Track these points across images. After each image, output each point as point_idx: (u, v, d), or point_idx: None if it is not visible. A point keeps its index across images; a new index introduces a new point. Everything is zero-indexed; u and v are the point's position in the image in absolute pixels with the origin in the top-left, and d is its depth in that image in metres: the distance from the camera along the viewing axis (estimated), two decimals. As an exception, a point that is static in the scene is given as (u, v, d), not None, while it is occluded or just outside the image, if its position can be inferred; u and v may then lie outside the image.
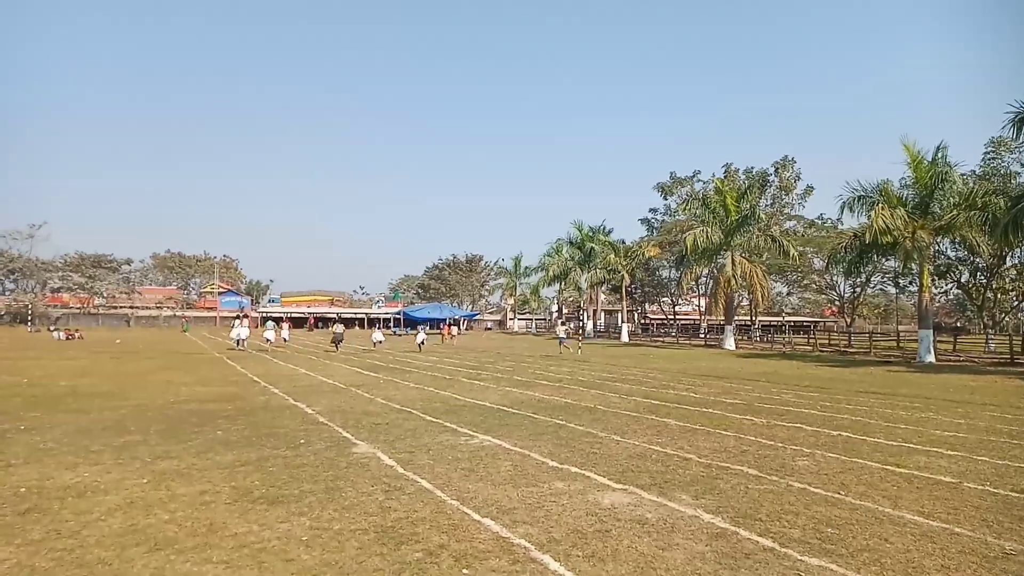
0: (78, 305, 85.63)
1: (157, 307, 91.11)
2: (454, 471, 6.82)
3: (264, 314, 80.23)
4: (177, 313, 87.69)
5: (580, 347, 34.10)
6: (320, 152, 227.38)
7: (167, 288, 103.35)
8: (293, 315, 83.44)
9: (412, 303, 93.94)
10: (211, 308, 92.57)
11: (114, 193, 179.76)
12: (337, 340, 33.30)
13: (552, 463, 7.25)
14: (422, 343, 33.86)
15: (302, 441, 8.44)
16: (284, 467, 6.96)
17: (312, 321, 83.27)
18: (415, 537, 4.76)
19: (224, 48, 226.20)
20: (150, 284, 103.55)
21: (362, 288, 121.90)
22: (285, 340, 37.21)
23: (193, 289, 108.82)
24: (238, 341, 30.58)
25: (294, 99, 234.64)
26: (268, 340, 32.41)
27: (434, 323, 72.35)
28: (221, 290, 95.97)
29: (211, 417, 10.45)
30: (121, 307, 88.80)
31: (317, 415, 10.73)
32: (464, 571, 4.14)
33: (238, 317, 36.62)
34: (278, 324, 38.11)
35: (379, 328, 43.33)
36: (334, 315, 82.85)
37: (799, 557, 4.43)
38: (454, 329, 47.47)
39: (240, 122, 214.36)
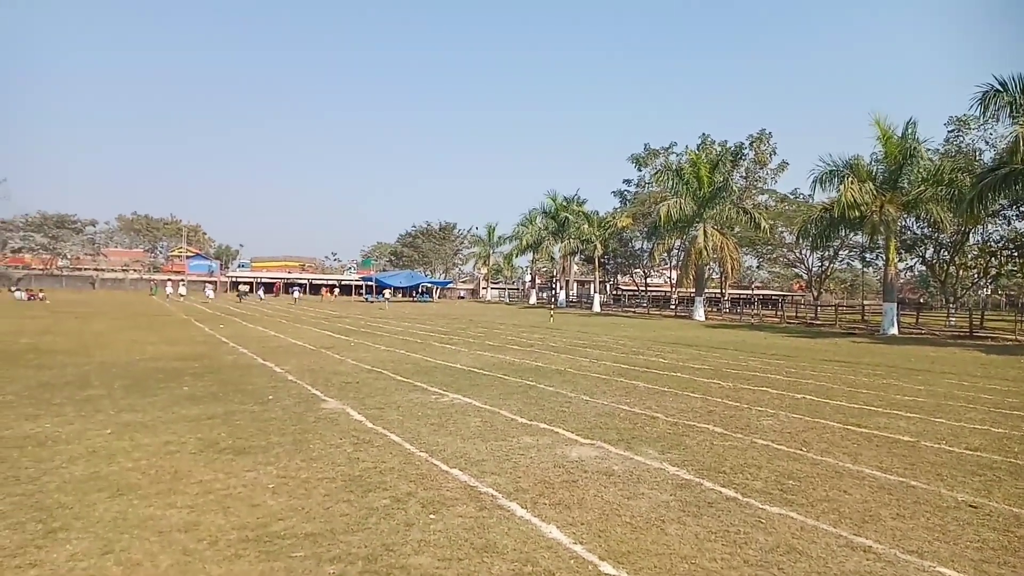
0: (40, 267, 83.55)
1: (123, 270, 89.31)
2: (423, 426, 6.83)
3: (233, 278, 79.41)
4: (145, 276, 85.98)
5: (552, 315, 34.19)
6: (293, 118, 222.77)
7: (133, 251, 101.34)
8: (263, 280, 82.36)
9: (384, 270, 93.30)
10: (179, 272, 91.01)
11: (81, 154, 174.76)
12: (242, 294, 40.84)
13: (521, 420, 7.30)
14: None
15: (270, 397, 8.38)
16: (251, 421, 6.91)
17: (279, 286, 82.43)
18: (383, 485, 4.76)
19: (196, 12, 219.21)
20: (116, 247, 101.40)
21: (334, 254, 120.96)
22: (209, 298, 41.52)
23: (160, 252, 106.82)
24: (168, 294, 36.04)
25: (265, 62, 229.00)
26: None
27: (407, 290, 72.23)
28: (189, 254, 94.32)
29: (177, 374, 10.31)
30: (85, 269, 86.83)
31: (286, 374, 10.66)
32: (431, 516, 4.16)
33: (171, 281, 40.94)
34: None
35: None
36: (305, 280, 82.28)
37: (760, 506, 4.53)
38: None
39: (213, 87, 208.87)
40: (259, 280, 79.21)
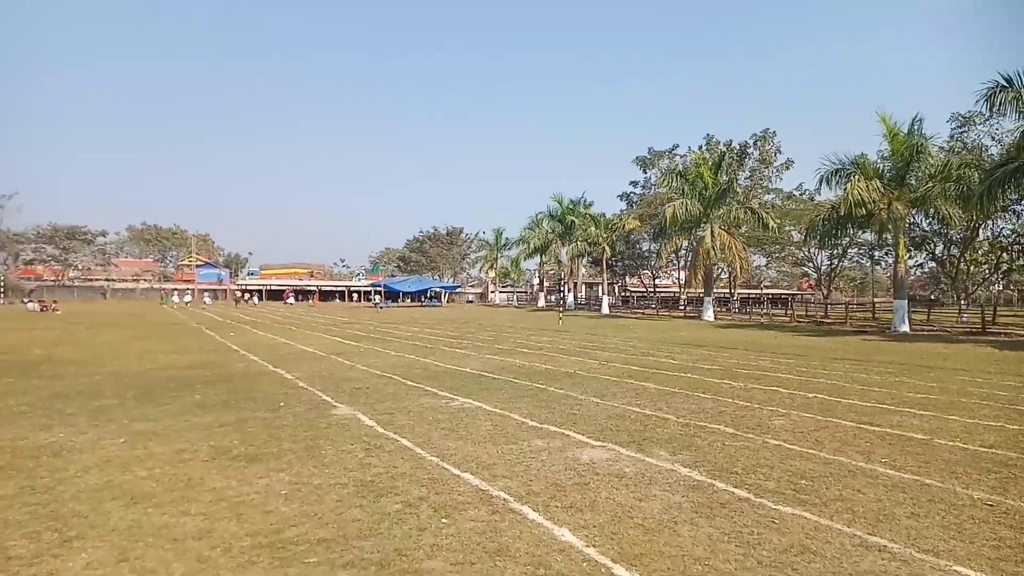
0: (52, 278, 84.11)
1: (134, 279, 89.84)
2: (434, 430, 6.84)
3: (243, 287, 79.69)
4: (155, 285, 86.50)
5: (560, 318, 34.17)
6: (300, 126, 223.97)
7: (143, 260, 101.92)
8: (272, 287, 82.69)
9: (393, 276, 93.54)
10: (189, 280, 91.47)
11: (90, 167, 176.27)
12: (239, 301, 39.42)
13: (532, 423, 7.30)
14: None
15: (281, 404, 8.41)
16: (263, 428, 6.94)
17: (288, 293, 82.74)
18: (395, 490, 4.77)
19: (201, 18, 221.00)
20: (126, 256, 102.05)
21: (342, 261, 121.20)
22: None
23: (170, 261, 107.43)
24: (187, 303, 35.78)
25: (272, 69, 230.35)
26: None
27: (415, 295, 72.28)
28: (199, 262, 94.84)
29: (189, 383, 10.36)
30: (96, 279, 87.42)
31: (297, 380, 10.69)
32: (443, 520, 4.16)
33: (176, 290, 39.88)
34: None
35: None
36: (314, 287, 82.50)
37: (773, 506, 4.51)
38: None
39: (221, 97, 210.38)
40: (245, 288, 78.90)
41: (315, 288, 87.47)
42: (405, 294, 71.58)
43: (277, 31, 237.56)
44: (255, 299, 39.06)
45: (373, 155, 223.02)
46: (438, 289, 78.14)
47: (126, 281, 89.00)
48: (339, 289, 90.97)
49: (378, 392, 9.52)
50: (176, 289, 53.07)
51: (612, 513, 4.35)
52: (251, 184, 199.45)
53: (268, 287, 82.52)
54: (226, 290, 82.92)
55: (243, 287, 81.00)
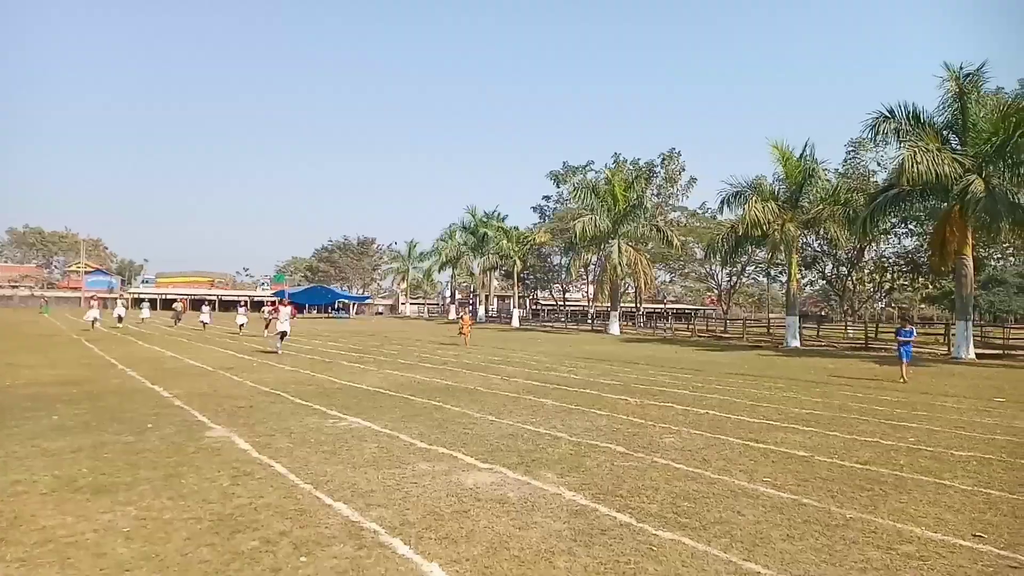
0: (-86, 282, 76.82)
1: (12, 285, 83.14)
2: (314, 454, 6.43)
3: (136, 295, 75.14)
4: (36, 292, 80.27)
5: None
6: (201, 129, 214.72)
7: (24, 266, 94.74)
8: (167, 296, 78.28)
9: (300, 286, 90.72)
10: (76, 288, 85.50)
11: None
12: (177, 317, 35.34)
13: (421, 444, 6.99)
14: (242, 326, 30.58)
15: (149, 426, 7.75)
16: (122, 453, 6.32)
17: (185, 304, 78.63)
18: (254, 525, 4.36)
19: (96, 17, 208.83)
20: (5, 261, 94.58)
21: (246, 270, 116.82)
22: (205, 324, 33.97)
23: (56, 267, 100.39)
24: (93, 320, 29.59)
25: (169, 66, 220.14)
26: (240, 325, 30.79)
27: (322, 306, 70.17)
28: (88, 269, 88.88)
29: (50, 401, 9.44)
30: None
31: (173, 399, 9.95)
32: (302, 559, 3.81)
33: (92, 298, 34.53)
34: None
35: (243, 309, 33.24)
36: (214, 297, 78.81)
37: (653, 532, 4.40)
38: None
39: (117, 93, 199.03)
40: (131, 295, 74.62)
41: (215, 297, 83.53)
42: (311, 305, 69.50)
43: (171, 25, 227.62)
44: (145, 311, 33.02)
45: (281, 162, 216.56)
46: (345, 300, 76.26)
47: (3, 287, 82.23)
48: (241, 299, 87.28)
49: (262, 411, 8.97)
50: (95, 297, 35.21)
51: (488, 544, 4.12)
52: (149, 188, 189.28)
53: (163, 296, 77.94)
54: (116, 299, 77.89)
55: (138, 296, 76.38)
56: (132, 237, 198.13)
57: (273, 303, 30.88)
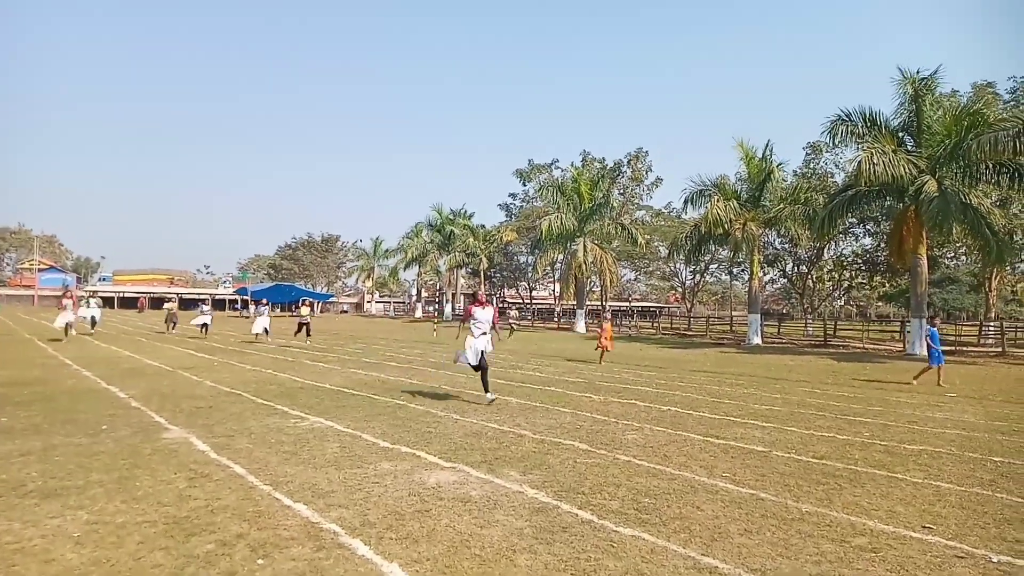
0: None
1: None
2: (274, 455, 6.33)
3: (90, 293, 73.12)
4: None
5: (436, 329, 33.76)
6: (161, 125, 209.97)
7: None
8: (124, 295, 76.42)
9: (262, 283, 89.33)
10: (29, 286, 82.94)
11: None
12: (171, 320, 28.91)
13: (383, 443, 6.93)
14: (205, 327, 27.32)
15: (104, 427, 7.54)
16: (74, 456, 6.14)
17: (143, 302, 76.73)
18: (211, 527, 4.27)
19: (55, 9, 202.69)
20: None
21: (207, 267, 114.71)
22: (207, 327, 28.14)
23: (8, 264, 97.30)
24: (67, 326, 22.86)
25: (129, 57, 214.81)
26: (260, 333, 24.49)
27: (285, 304, 69.20)
28: (43, 267, 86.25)
29: (-2, 403, 9.14)
30: (-88, 283, 77.39)
31: (130, 399, 9.70)
32: (259, 561, 3.74)
33: (65, 296, 26.96)
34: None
35: (205, 307, 28.74)
36: (173, 295, 77.10)
37: (614, 528, 4.43)
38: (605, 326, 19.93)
39: (76, 86, 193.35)
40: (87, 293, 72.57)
41: (175, 296, 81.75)
42: (273, 303, 68.41)
43: (133, 20, 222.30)
44: (94, 309, 28.34)
45: (243, 159, 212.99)
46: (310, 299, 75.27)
47: (-50, 286, 79.41)
48: (203, 297, 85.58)
49: (221, 412, 8.80)
50: (83, 297, 28.29)
51: (449, 543, 4.10)
52: (106, 181, 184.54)
53: (121, 294, 76.10)
54: (87, 298, 75.65)
55: (95, 293, 74.36)
56: (88, 233, 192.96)
57: (306, 302, 26.78)
